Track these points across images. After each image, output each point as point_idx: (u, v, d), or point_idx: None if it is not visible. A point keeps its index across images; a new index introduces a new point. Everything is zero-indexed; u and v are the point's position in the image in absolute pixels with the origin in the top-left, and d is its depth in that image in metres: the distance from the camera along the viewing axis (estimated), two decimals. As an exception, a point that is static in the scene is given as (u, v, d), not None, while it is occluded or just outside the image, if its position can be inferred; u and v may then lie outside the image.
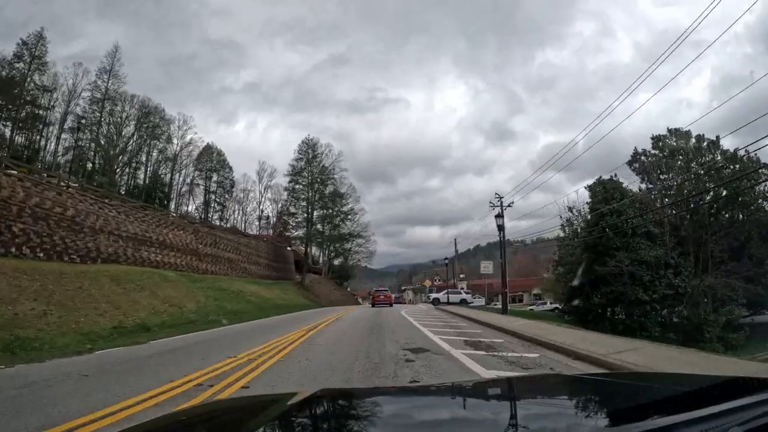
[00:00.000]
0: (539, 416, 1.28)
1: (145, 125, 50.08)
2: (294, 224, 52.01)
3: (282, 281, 47.40)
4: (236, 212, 63.86)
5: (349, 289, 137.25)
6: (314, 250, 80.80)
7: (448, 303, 37.05)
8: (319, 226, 52.50)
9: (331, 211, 52.67)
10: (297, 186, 51.90)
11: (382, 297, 33.53)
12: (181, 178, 56.51)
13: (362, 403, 1.59)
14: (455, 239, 53.24)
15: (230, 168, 61.17)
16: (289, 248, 60.60)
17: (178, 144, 54.38)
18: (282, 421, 1.31)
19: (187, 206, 54.98)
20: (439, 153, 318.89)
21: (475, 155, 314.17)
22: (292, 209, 51.41)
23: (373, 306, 32.47)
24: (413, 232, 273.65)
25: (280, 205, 52.19)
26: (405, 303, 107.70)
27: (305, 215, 51.22)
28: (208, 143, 60.00)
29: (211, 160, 59.91)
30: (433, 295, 38.93)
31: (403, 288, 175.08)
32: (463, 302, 37.68)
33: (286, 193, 51.80)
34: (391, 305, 32.19)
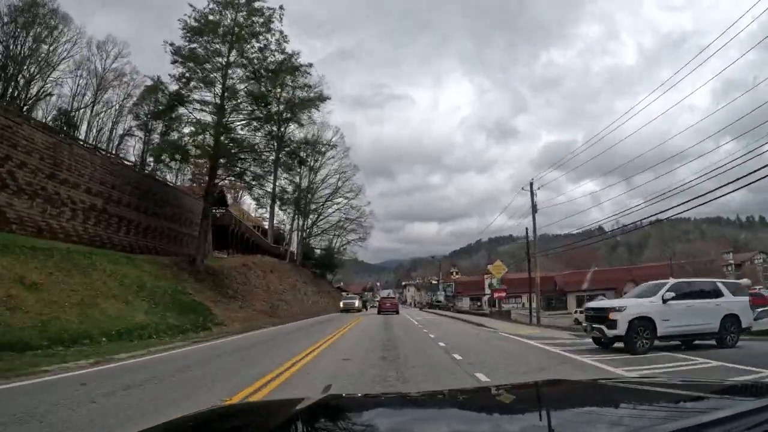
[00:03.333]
0: (544, 427, 1.23)
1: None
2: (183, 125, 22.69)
3: (131, 256, 18.52)
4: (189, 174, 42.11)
5: (340, 284, 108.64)
6: (283, 223, 52.64)
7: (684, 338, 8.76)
8: (241, 131, 23.66)
9: (270, 89, 23.89)
10: (199, 50, 22.79)
11: (388, 304, 33.91)
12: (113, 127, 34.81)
13: (370, 411, 1.56)
14: (531, 182, 25.22)
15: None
16: (219, 210, 32.07)
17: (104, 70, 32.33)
18: (286, 427, 1.30)
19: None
20: (441, 150, 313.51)
21: (478, 153, 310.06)
22: (195, 96, 22.37)
23: (379, 313, 31.39)
24: (412, 228, 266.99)
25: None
26: (411, 306, 78.90)
27: (215, 102, 22.48)
28: (153, 80, 35.53)
29: (157, 101, 36.37)
30: (621, 307, 9.60)
31: (403, 283, 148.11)
32: (740, 327, 9.02)
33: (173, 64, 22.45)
34: (397, 312, 32.03)
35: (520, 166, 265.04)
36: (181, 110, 21.82)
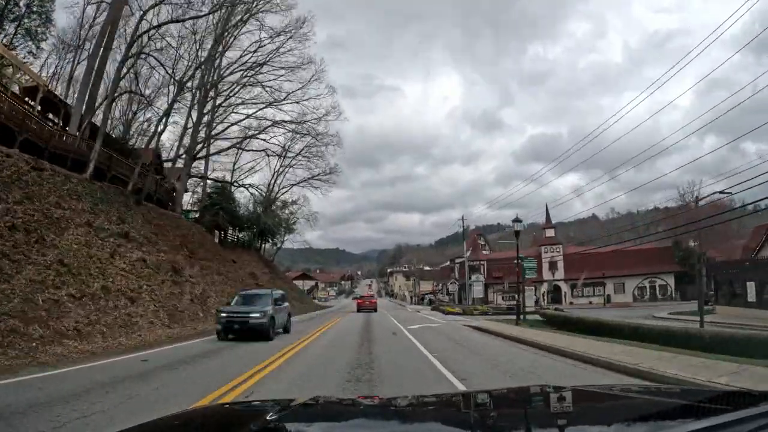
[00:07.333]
0: None
1: None
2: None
3: None
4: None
5: (316, 271, 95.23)
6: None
7: None
8: None
9: None
10: None
11: (367, 303, 34.23)
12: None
13: (356, 417, 1.58)
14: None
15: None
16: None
17: None
18: (274, 428, 1.30)
19: None
20: (427, 141, 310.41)
21: (463, 145, 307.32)
22: None
23: (358, 311, 32.43)
24: (395, 218, 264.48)
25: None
26: (410, 302, 64.77)
27: None
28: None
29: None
30: None
31: (389, 270, 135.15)
32: None
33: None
34: (375, 310, 32.76)
35: (504, 158, 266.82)
36: None
